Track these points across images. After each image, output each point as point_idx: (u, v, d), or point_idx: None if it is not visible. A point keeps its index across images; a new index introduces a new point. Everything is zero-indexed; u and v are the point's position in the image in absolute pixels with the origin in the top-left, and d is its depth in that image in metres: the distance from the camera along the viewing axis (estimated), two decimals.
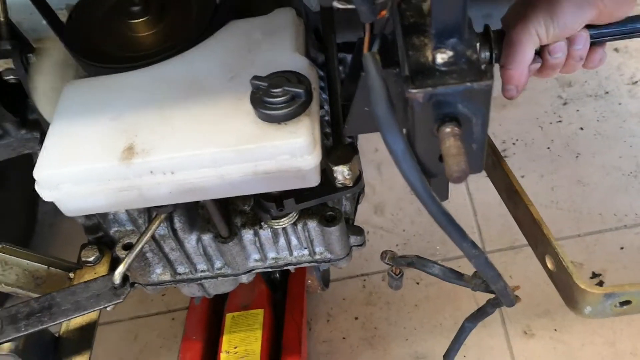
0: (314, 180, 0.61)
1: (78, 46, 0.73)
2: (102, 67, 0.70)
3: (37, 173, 0.58)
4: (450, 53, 0.47)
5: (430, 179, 0.54)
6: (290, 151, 0.57)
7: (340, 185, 0.69)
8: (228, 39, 0.67)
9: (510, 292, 0.67)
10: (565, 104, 1.39)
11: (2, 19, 0.83)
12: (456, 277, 0.69)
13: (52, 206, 0.61)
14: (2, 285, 0.74)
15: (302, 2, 0.90)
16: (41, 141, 0.89)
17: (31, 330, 0.68)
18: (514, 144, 1.35)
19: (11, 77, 0.83)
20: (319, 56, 0.88)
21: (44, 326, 0.68)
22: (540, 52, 0.67)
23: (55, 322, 0.69)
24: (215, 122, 0.59)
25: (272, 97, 0.57)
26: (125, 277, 0.72)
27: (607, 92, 1.38)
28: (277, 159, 0.57)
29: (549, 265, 0.73)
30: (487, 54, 0.65)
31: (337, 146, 0.70)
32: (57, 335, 0.76)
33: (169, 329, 1.29)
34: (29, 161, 1.45)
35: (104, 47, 0.73)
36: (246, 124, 0.57)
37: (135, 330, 1.27)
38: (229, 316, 1.05)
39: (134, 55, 0.70)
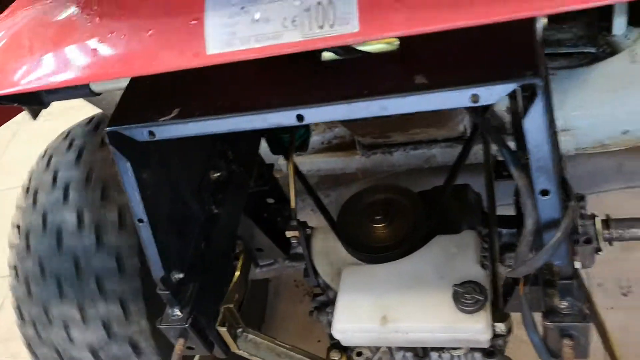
0: (486, 344, 1.07)
1: (345, 238, 1.26)
2: (361, 255, 1.22)
3: (334, 325, 1.10)
4: (567, 304, 0.91)
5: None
6: (475, 330, 1.03)
7: (497, 333, 1.14)
8: (437, 249, 1.16)
9: None
10: None
11: (293, 206, 1.39)
12: None
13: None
14: None
15: (477, 196, 1.37)
16: (310, 273, 1.41)
17: None
18: (637, 283, 1.70)
19: (295, 242, 1.39)
20: (483, 230, 1.34)
21: None
22: None
23: None
24: (433, 307, 1.07)
25: (465, 299, 1.04)
26: None
27: None
28: (468, 333, 1.04)
29: None
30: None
31: (495, 309, 1.14)
32: None
33: None
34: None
35: (359, 239, 1.25)
36: (450, 311, 1.05)
37: None
38: None
39: (379, 246, 1.21)
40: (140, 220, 1.00)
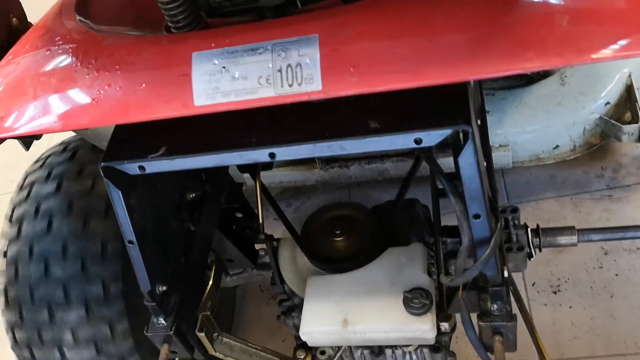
0: (432, 342, 1.24)
1: (307, 250, 1.42)
2: (323, 266, 1.38)
3: (302, 328, 1.26)
4: (497, 306, 1.09)
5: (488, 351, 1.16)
6: (422, 330, 1.20)
7: (443, 331, 1.31)
8: (389, 259, 1.33)
9: None
10: (606, 254, 1.93)
11: (261, 221, 1.53)
12: None
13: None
14: None
15: (426, 210, 1.54)
16: (277, 282, 1.56)
17: None
18: (565, 281, 1.92)
19: (263, 253, 1.54)
20: (430, 239, 1.51)
21: None
22: None
23: None
24: (386, 310, 1.23)
25: (414, 304, 1.21)
26: None
27: (638, 248, 1.91)
28: (415, 332, 1.21)
29: None
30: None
31: (441, 310, 1.32)
32: None
33: None
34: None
35: (321, 251, 1.40)
36: (401, 314, 1.22)
37: None
38: None
39: (339, 258, 1.37)
40: (130, 242, 1.13)
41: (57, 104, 0.98)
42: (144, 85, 0.94)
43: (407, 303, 1.21)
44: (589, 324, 1.80)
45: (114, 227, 1.52)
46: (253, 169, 1.60)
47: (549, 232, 1.52)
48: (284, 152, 1.00)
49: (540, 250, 1.52)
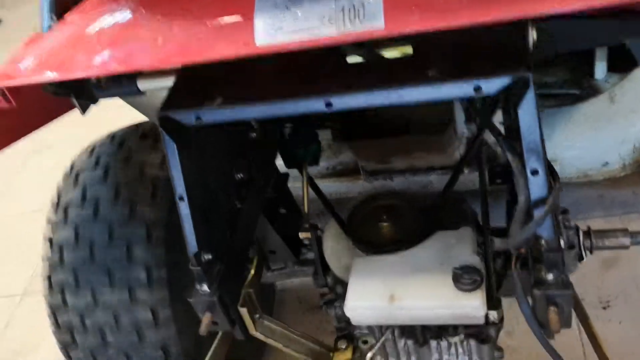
0: (481, 321, 1.19)
1: (353, 235, 1.40)
2: (368, 249, 1.35)
3: (347, 303, 1.22)
4: (552, 275, 1.05)
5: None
6: (471, 307, 1.16)
7: (490, 321, 1.26)
8: (438, 241, 1.30)
9: None
10: None
11: (306, 211, 1.53)
12: None
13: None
14: (303, 355, 1.38)
15: (472, 209, 1.51)
16: (319, 272, 1.53)
17: None
18: (615, 297, 1.84)
19: (307, 242, 1.52)
20: (478, 237, 1.47)
21: None
22: None
23: None
24: (435, 287, 1.20)
25: (464, 279, 1.17)
26: None
27: None
28: (464, 310, 1.16)
29: None
30: None
31: (490, 297, 1.27)
32: None
33: None
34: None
35: (367, 238, 1.38)
36: (450, 290, 1.18)
37: None
38: None
39: (386, 243, 1.35)
40: (181, 198, 1.13)
41: (120, 47, 1.01)
42: (207, 26, 0.97)
43: (457, 279, 1.18)
44: (638, 341, 1.72)
45: (159, 214, 1.54)
46: (299, 163, 1.60)
47: (601, 233, 1.47)
48: (340, 102, 1.00)
49: (591, 252, 1.46)
